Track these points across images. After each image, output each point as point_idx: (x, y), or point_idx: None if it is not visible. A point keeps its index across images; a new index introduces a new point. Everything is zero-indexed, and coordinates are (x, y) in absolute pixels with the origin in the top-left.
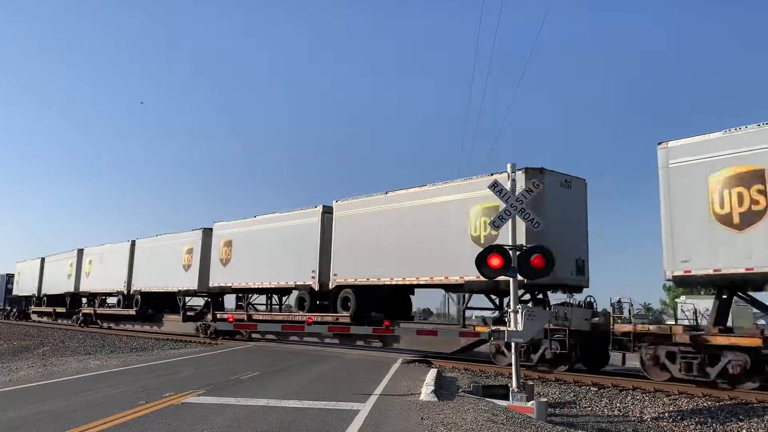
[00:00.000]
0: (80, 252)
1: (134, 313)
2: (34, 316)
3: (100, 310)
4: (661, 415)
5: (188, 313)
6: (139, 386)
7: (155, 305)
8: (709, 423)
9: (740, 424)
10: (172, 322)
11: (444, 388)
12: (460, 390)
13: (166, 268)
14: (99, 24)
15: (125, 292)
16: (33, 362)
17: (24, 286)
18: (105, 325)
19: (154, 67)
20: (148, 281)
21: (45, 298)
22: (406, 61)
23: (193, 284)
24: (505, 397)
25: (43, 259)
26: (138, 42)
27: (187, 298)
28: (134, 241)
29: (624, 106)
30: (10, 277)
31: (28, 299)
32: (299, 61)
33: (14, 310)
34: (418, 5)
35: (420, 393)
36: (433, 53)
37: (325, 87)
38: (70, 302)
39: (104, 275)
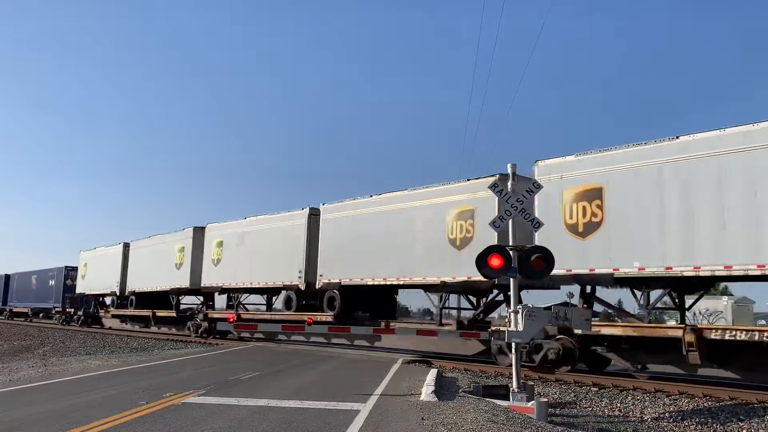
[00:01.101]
0: (199, 231)
1: (331, 318)
2: (112, 322)
3: (247, 314)
4: (661, 416)
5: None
6: (140, 386)
7: (357, 306)
8: (710, 423)
9: (740, 424)
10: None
11: (444, 389)
12: (460, 390)
13: (402, 248)
14: (97, 24)
15: (301, 287)
16: (33, 362)
17: (94, 282)
18: (244, 334)
19: (151, 66)
20: (355, 270)
21: (133, 298)
22: (407, 61)
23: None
24: (506, 398)
25: (127, 245)
26: (135, 42)
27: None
28: (314, 208)
29: (625, 106)
30: (69, 271)
31: (100, 298)
32: (298, 61)
33: (78, 313)
34: (419, 5)
35: (420, 393)
36: (433, 54)
37: (325, 87)
38: (177, 303)
39: (250, 263)
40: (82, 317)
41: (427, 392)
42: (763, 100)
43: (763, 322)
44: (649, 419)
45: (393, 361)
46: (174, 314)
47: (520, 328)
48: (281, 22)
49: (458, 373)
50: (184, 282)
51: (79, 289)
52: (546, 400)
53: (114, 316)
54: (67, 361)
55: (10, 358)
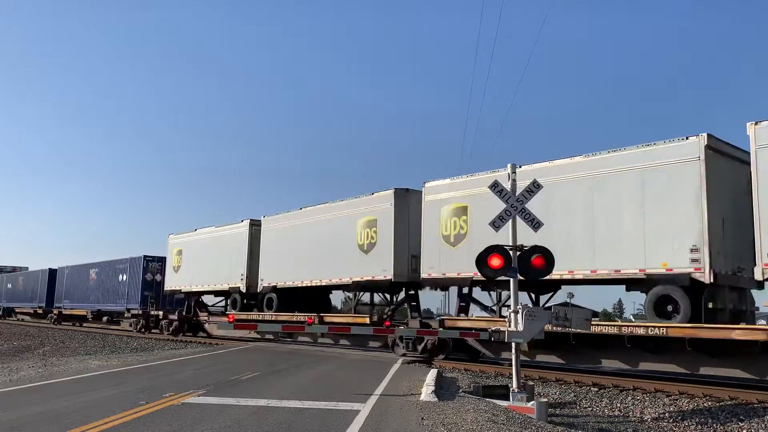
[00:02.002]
0: (403, 196)
1: None
2: (225, 329)
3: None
4: (661, 416)
5: None
6: (140, 386)
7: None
8: (710, 423)
9: (740, 424)
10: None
11: (444, 389)
12: (460, 390)
13: None
14: (103, 25)
15: (703, 278)
16: (33, 362)
17: (196, 275)
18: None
19: (154, 67)
20: None
21: (272, 296)
22: (407, 62)
23: None
24: (506, 398)
25: (256, 224)
26: (139, 43)
27: None
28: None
29: (624, 106)
30: (150, 263)
31: (197, 297)
32: (299, 62)
33: (170, 317)
34: (419, 6)
35: (420, 393)
36: (433, 54)
37: (326, 88)
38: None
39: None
40: (176, 323)
41: (427, 392)
42: (761, 98)
43: (763, 321)
44: (649, 419)
45: (393, 361)
46: (366, 320)
47: (520, 328)
48: (281, 23)
49: (458, 373)
50: (381, 271)
51: (169, 286)
52: (546, 400)
53: (240, 322)
54: (67, 361)
55: (10, 358)
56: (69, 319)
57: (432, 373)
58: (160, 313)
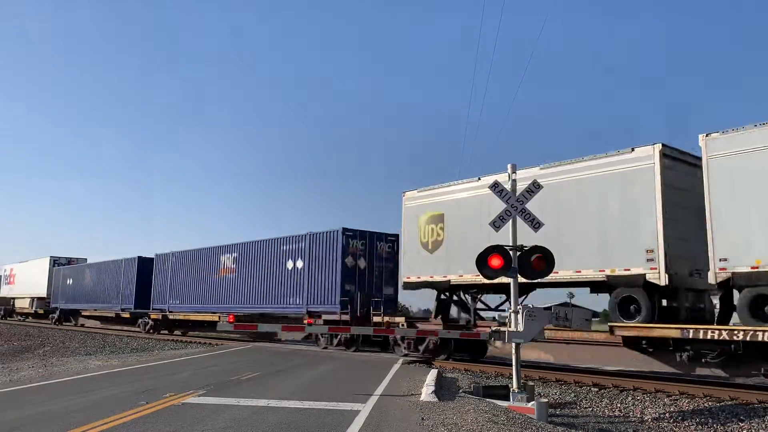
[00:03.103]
0: None
1: None
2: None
3: None
4: (661, 416)
5: None
6: (140, 386)
7: None
8: (710, 423)
9: (741, 424)
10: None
11: (444, 389)
12: (460, 390)
13: None
14: (111, 26)
15: None
16: (34, 362)
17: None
18: None
19: (154, 68)
20: None
21: None
22: (407, 62)
23: None
24: (506, 398)
25: (672, 155)
26: (143, 44)
27: None
28: None
29: (624, 106)
30: (351, 240)
31: (473, 293)
32: (298, 61)
33: (420, 326)
34: (419, 7)
35: (420, 393)
36: (433, 55)
37: (325, 88)
38: None
39: None
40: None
41: (427, 392)
42: (755, 102)
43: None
44: (650, 419)
45: (393, 361)
46: None
47: (521, 328)
48: (281, 22)
49: (458, 373)
50: None
51: (414, 275)
52: (546, 400)
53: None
54: (68, 361)
55: (11, 358)
56: (179, 326)
57: (432, 374)
58: (402, 321)
